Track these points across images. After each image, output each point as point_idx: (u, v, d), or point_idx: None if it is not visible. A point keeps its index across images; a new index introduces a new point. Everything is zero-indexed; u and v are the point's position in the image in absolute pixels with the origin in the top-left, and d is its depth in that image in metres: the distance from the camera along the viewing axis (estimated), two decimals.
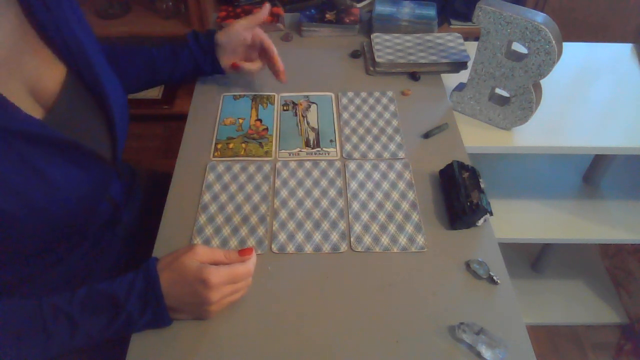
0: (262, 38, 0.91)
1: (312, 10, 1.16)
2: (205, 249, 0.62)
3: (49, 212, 0.60)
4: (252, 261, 0.64)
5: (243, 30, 0.90)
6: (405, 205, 0.78)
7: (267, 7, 0.92)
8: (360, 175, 0.83)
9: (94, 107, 0.69)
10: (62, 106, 0.64)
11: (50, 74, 0.64)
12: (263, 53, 0.94)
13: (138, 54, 0.91)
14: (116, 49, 0.89)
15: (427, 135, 0.90)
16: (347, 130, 0.91)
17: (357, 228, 0.75)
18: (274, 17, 1.15)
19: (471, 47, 1.06)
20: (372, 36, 1.09)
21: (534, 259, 1.53)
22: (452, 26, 1.76)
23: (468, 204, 0.73)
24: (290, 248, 0.73)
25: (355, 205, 0.78)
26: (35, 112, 0.61)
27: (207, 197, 0.79)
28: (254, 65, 0.94)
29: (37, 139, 0.57)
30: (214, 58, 0.92)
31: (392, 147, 0.88)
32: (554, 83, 1.07)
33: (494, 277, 0.68)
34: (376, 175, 0.83)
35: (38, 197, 0.58)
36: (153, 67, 0.91)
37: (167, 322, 0.61)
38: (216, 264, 0.62)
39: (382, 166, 0.84)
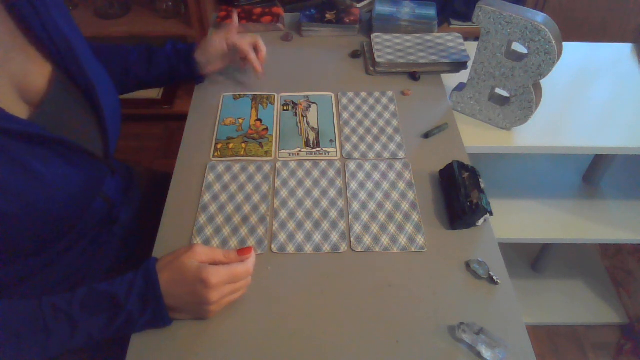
0: (234, 42, 0.94)
1: (312, 10, 1.16)
2: (204, 249, 0.62)
3: (40, 208, 0.60)
4: (251, 261, 0.64)
5: (218, 43, 0.93)
6: (405, 205, 0.78)
7: (235, 17, 0.97)
8: (360, 175, 0.83)
9: (84, 104, 0.69)
10: (49, 103, 0.64)
11: (38, 71, 0.64)
12: (243, 54, 0.96)
13: (114, 51, 0.91)
14: (93, 48, 0.89)
15: (427, 135, 0.90)
16: (347, 130, 0.91)
17: (357, 228, 0.75)
18: (274, 17, 1.15)
19: (471, 47, 1.06)
20: (372, 36, 1.09)
21: (534, 259, 1.53)
22: (452, 26, 1.76)
23: (468, 204, 0.73)
24: (290, 248, 0.73)
25: (355, 205, 0.78)
26: (22, 109, 0.61)
27: (207, 197, 0.79)
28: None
29: (23, 137, 0.57)
30: (190, 62, 0.93)
31: (392, 147, 0.88)
32: (554, 83, 1.07)
33: (494, 277, 0.68)
34: (376, 175, 0.83)
35: (27, 194, 0.58)
36: (126, 65, 0.92)
37: (167, 321, 0.61)
38: (215, 263, 0.62)
39: (382, 166, 0.84)
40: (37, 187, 0.59)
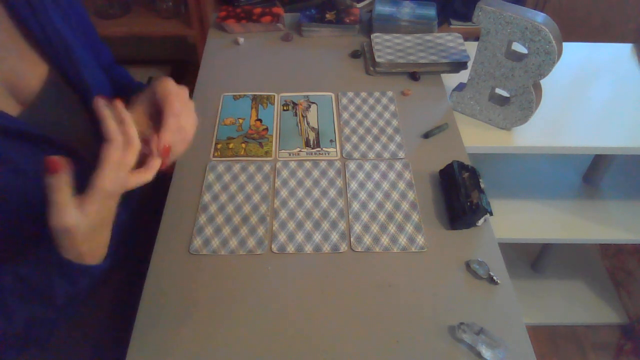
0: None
1: (312, 10, 1.16)
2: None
3: (27, 205, 0.59)
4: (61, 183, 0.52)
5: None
6: (405, 205, 0.78)
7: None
8: (360, 175, 0.83)
9: (78, 106, 0.69)
10: (42, 103, 0.63)
11: (32, 71, 0.64)
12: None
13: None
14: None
15: (427, 135, 0.90)
16: (347, 130, 0.91)
17: (357, 228, 0.75)
18: (274, 17, 1.15)
19: (471, 47, 1.06)
20: (372, 36, 1.09)
21: (534, 259, 1.53)
22: (452, 26, 1.76)
23: (468, 204, 0.73)
24: (290, 248, 0.73)
25: (355, 205, 0.78)
26: (11, 107, 0.60)
27: (207, 197, 0.79)
28: None
29: (9, 133, 0.57)
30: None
31: (392, 147, 0.88)
32: (554, 83, 1.07)
33: (494, 277, 0.68)
34: (376, 175, 0.83)
35: (13, 189, 0.58)
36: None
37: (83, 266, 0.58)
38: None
39: (382, 166, 0.84)
40: (20, 181, 0.58)
